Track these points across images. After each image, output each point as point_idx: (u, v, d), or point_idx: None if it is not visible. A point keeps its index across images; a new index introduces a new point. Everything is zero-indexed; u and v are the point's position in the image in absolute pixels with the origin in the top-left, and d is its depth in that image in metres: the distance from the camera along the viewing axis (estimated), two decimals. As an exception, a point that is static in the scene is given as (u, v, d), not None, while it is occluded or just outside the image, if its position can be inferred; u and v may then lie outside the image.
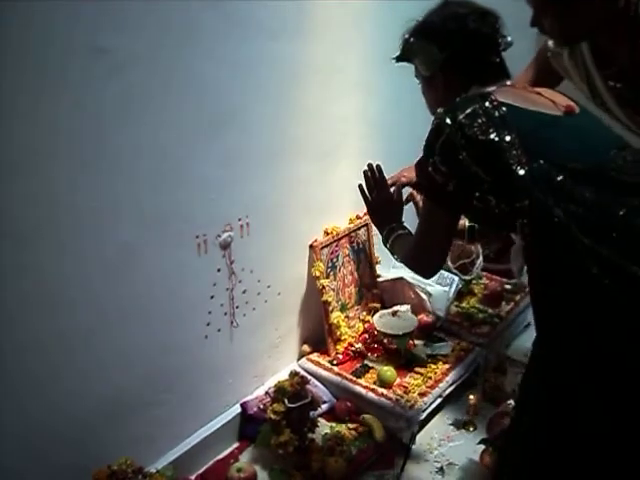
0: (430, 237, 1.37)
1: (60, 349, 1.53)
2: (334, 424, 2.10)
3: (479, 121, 1.17)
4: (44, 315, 1.47)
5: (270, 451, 1.95)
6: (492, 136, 1.15)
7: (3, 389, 1.44)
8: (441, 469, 2.03)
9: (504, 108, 1.18)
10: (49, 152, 1.38)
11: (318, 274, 2.19)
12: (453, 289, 2.50)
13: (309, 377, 2.17)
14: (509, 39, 1.34)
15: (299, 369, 2.26)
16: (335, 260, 2.28)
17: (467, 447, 2.13)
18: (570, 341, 1.15)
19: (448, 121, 1.19)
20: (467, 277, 2.59)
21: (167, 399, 1.86)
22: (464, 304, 2.61)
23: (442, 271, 2.53)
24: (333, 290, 2.26)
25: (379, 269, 2.50)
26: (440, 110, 1.23)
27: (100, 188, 1.51)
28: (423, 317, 2.39)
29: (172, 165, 1.66)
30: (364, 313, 2.45)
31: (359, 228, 2.38)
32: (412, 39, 1.41)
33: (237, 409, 2.11)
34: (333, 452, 1.92)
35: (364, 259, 2.42)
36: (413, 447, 2.08)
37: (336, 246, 2.28)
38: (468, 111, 1.18)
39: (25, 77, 1.30)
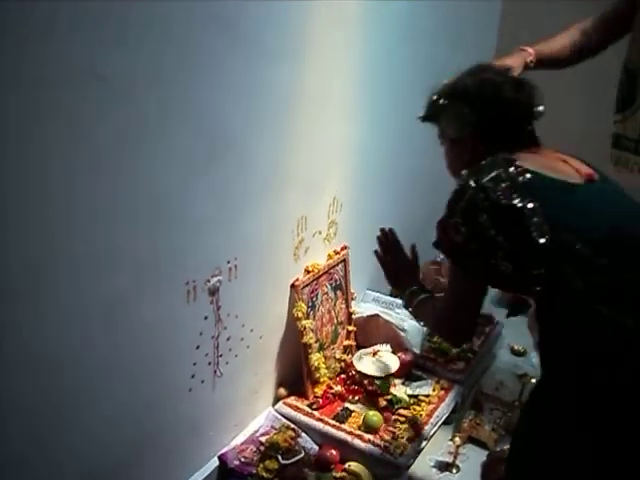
0: (458, 304, 1.34)
1: (42, 412, 1.36)
2: (318, 474, 1.99)
3: (502, 186, 1.18)
4: (25, 377, 1.30)
5: (259, 510, 1.82)
6: (515, 202, 1.16)
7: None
8: (434, 517, 1.97)
9: (528, 175, 1.20)
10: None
11: (300, 315, 2.08)
12: (427, 324, 2.44)
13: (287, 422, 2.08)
14: (541, 108, 1.36)
15: (276, 414, 2.14)
16: (315, 299, 2.18)
17: (454, 492, 2.09)
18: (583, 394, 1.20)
19: (472, 184, 1.21)
20: (440, 311, 2.54)
21: (149, 458, 1.71)
22: (435, 338, 2.55)
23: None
24: (312, 331, 2.15)
25: (353, 305, 2.42)
26: (464, 172, 1.26)
27: (83, 235, 1.33)
28: (402, 355, 2.32)
29: (163, 206, 1.51)
30: (339, 352, 2.35)
31: (337, 264, 2.28)
32: (442, 100, 1.42)
33: (215, 462, 1.96)
34: (325, 506, 1.82)
35: (341, 296, 2.33)
36: (401, 494, 2.00)
37: (316, 284, 2.18)
38: (492, 175, 1.20)
39: (17, 102, 1.13)
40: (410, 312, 1.64)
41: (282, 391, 2.21)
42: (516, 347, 2.80)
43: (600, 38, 1.84)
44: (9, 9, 1.06)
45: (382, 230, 1.73)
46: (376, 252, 1.73)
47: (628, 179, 1.71)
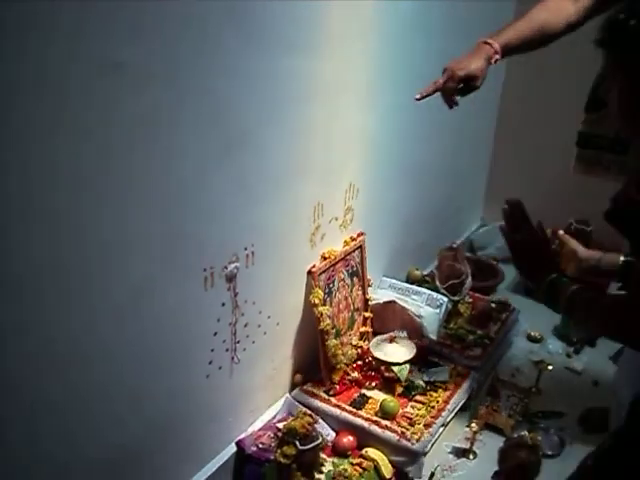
0: None
1: (73, 407, 1.38)
2: (335, 460, 1.99)
3: None
4: (55, 374, 1.31)
5: (277, 496, 1.83)
6: None
7: (10, 460, 1.27)
8: (452, 504, 1.97)
9: None
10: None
11: (317, 301, 2.07)
12: (443, 311, 2.44)
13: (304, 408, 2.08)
14: None
15: (293, 400, 2.15)
16: (331, 285, 2.17)
17: (471, 477, 2.09)
18: None
19: None
20: (456, 298, 2.54)
21: (169, 444, 1.71)
22: (452, 325, 2.56)
23: (431, 292, 2.47)
24: (329, 317, 2.15)
25: (370, 291, 2.41)
26: None
27: (109, 224, 1.33)
28: (418, 342, 2.31)
29: (183, 193, 1.50)
30: (355, 338, 2.35)
31: (353, 250, 2.27)
32: (634, 21, 1.05)
33: (233, 448, 1.97)
34: (342, 492, 1.82)
35: (357, 282, 2.32)
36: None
37: (332, 271, 2.17)
38: None
39: (28, 90, 1.11)
40: (557, 308, 1.30)
41: (299, 377, 2.21)
42: (532, 333, 2.80)
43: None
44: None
45: (508, 202, 1.39)
46: (502, 228, 1.41)
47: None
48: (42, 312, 1.24)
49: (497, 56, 1.62)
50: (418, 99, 1.63)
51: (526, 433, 1.94)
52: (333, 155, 2.07)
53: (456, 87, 1.60)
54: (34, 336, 1.23)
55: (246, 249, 1.77)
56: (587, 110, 1.80)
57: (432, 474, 2.00)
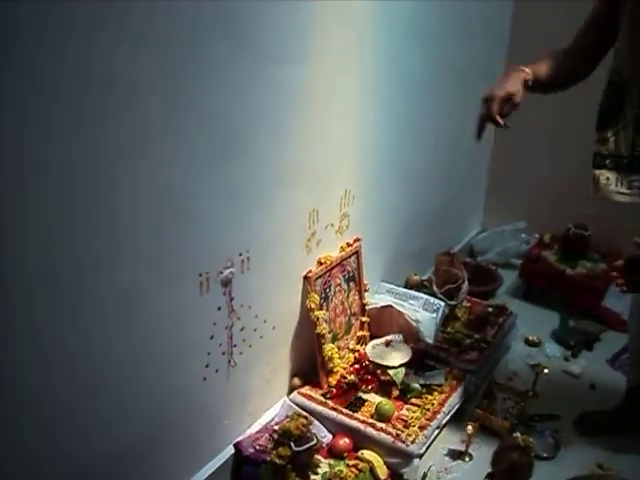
0: None
1: (59, 409, 1.41)
2: (332, 461, 2.03)
3: None
4: (41, 376, 1.35)
5: (273, 496, 1.86)
6: None
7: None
8: (446, 505, 1.99)
9: None
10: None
11: (313, 306, 2.11)
12: (440, 315, 2.47)
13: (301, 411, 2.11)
14: None
15: (290, 403, 2.18)
16: (328, 290, 2.21)
17: (466, 479, 2.11)
18: None
19: None
20: (453, 302, 2.57)
21: (169, 444, 1.76)
22: (449, 329, 2.59)
23: (428, 297, 2.51)
24: (326, 321, 2.18)
25: (367, 296, 2.44)
26: None
27: (101, 231, 1.37)
28: (414, 345, 2.35)
29: (178, 201, 1.54)
30: (352, 342, 2.39)
31: (350, 256, 2.31)
32: None
33: (230, 450, 2.01)
34: (338, 493, 1.86)
35: (354, 287, 2.36)
36: (412, 482, 2.03)
37: (329, 276, 2.21)
38: None
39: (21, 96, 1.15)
40: None
41: (296, 381, 2.25)
42: (530, 338, 2.82)
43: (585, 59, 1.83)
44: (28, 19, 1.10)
45: None
46: None
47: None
48: (33, 315, 1.28)
49: (529, 76, 1.73)
50: (478, 136, 1.77)
51: (519, 435, 1.96)
52: (328, 161, 2.11)
53: (499, 108, 1.67)
54: (24, 340, 1.28)
55: (241, 255, 1.81)
56: (598, 129, 1.80)
57: (425, 475, 2.03)
